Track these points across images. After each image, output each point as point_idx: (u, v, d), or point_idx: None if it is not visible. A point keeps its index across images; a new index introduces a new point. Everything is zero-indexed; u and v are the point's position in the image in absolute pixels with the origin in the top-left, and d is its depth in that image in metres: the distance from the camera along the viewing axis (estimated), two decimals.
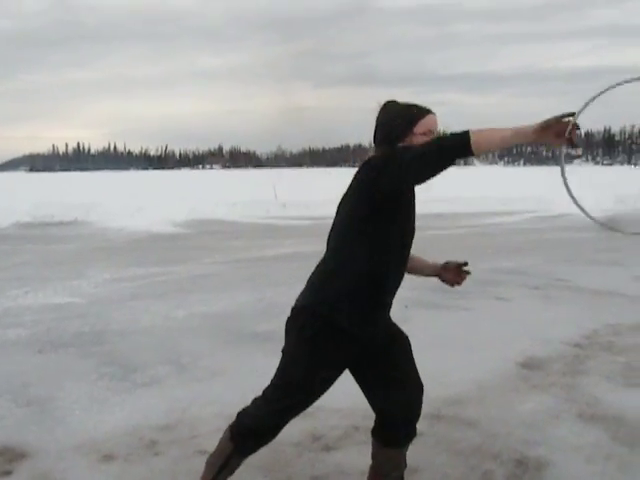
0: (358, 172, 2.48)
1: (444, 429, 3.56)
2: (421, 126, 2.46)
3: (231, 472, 2.72)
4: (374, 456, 2.81)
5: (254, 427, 2.61)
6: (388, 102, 2.57)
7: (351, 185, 2.50)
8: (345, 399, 3.82)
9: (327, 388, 2.58)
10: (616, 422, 3.70)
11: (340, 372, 2.58)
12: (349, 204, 2.50)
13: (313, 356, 2.49)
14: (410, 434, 2.73)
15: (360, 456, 3.25)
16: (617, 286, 7.66)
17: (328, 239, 2.60)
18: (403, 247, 2.53)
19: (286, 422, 2.61)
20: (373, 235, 2.42)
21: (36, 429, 3.62)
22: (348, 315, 2.44)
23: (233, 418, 3.69)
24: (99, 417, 3.79)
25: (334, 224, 2.58)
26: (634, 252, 10.66)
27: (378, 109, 2.57)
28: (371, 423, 3.47)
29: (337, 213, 2.59)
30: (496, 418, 3.76)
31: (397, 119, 2.50)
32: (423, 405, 2.73)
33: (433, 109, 2.55)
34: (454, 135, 2.21)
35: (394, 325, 2.69)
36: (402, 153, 2.30)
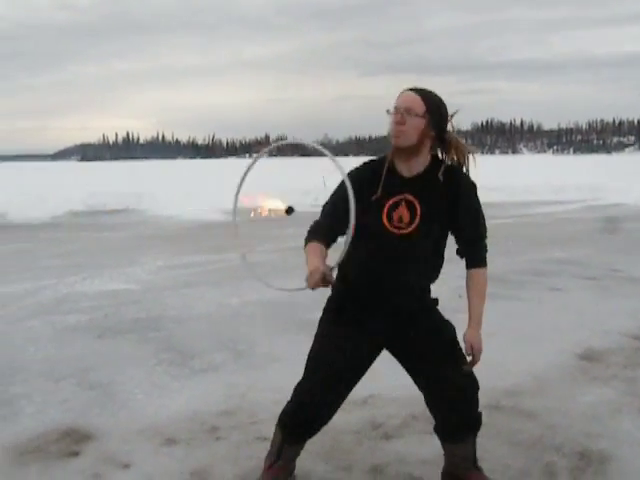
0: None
1: (503, 420, 3.53)
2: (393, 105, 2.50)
3: (289, 461, 2.77)
4: (444, 451, 2.83)
5: (291, 412, 2.67)
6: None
7: None
8: (402, 389, 3.82)
9: (348, 369, 2.60)
10: None
11: (353, 354, 2.59)
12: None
13: (322, 330, 2.69)
14: (469, 427, 2.72)
15: (420, 445, 3.26)
16: None
17: None
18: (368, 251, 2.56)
19: (324, 403, 2.61)
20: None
21: (100, 412, 3.72)
22: (337, 299, 2.67)
23: None
24: (160, 402, 3.87)
25: None
26: None
27: None
28: (429, 412, 3.47)
29: None
30: (556, 410, 3.71)
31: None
32: (481, 396, 2.71)
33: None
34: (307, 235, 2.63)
35: (434, 321, 2.66)
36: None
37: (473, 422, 2.74)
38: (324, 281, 2.33)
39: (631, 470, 3.02)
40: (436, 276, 2.66)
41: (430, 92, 2.52)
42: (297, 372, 4.26)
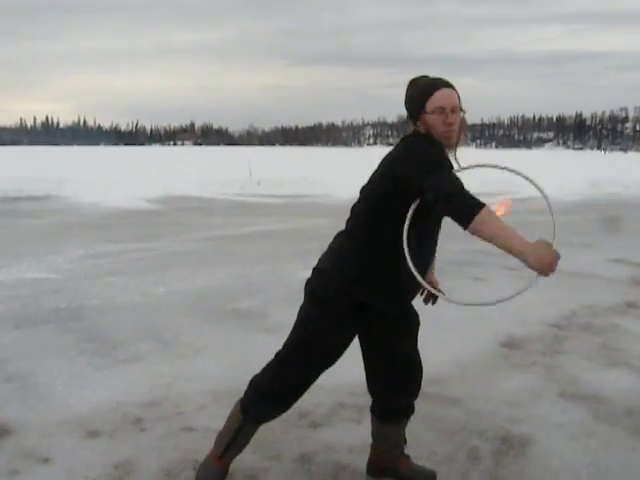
0: (390, 152, 2.50)
1: (428, 407, 3.58)
2: (431, 103, 2.40)
3: (239, 449, 2.75)
4: (374, 434, 2.86)
5: (269, 389, 2.61)
6: (413, 79, 2.52)
7: (382, 163, 2.50)
8: (328, 377, 3.83)
9: (338, 351, 2.59)
10: (596, 401, 3.76)
11: (347, 336, 2.59)
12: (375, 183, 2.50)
13: (321, 318, 2.51)
14: (407, 410, 2.78)
15: (347, 432, 3.28)
16: (592, 268, 7.78)
17: (352, 209, 2.58)
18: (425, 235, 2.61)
19: (305, 384, 2.63)
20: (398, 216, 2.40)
21: (18, 405, 3.58)
22: (369, 290, 2.46)
23: (216, 394, 3.72)
24: (82, 393, 3.76)
25: (364, 197, 2.54)
26: (605, 236, 10.82)
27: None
28: (356, 400, 3.50)
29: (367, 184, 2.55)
30: (479, 396, 3.80)
31: (413, 97, 2.47)
32: None
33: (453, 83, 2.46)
34: (468, 200, 2.22)
35: (410, 305, 2.72)
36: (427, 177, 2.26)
37: (411, 406, 2.80)
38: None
39: (549, 452, 3.12)
40: None
41: (444, 79, 2.49)
42: (223, 362, 4.26)
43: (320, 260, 2.59)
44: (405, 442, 2.86)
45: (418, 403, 3.43)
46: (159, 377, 4.00)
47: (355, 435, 3.23)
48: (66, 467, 2.91)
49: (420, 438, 3.15)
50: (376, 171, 2.51)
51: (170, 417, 3.44)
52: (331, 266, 2.51)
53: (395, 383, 2.72)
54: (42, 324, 5.12)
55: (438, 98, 2.40)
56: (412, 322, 2.74)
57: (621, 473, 2.94)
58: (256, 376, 2.67)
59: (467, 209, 2.21)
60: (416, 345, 2.77)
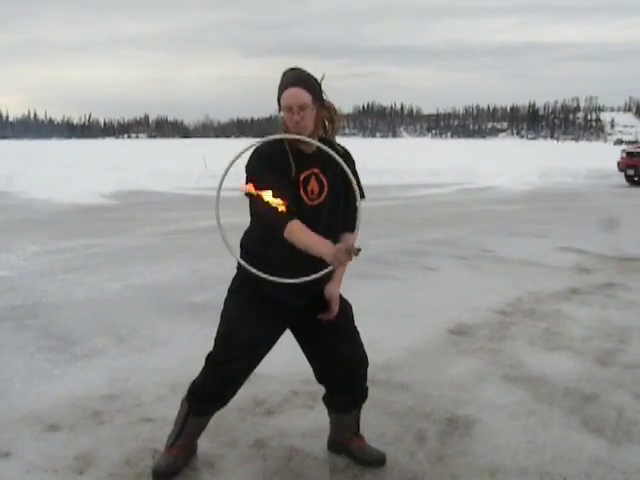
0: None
1: (378, 393, 3.74)
2: (282, 101, 2.57)
3: (190, 438, 2.89)
4: (329, 418, 3.04)
5: (202, 385, 2.79)
6: (284, 71, 2.63)
7: None
8: (283, 366, 3.98)
9: (257, 347, 2.73)
10: (537, 382, 3.97)
11: (268, 330, 2.73)
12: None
13: (233, 310, 2.74)
14: (356, 400, 2.95)
15: (300, 419, 3.42)
16: (539, 256, 8.06)
17: None
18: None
19: (238, 378, 2.77)
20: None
21: None
22: (256, 282, 2.64)
23: (175, 386, 3.82)
24: (40, 389, 3.81)
25: None
26: (554, 225, 11.17)
27: None
28: (309, 388, 3.64)
29: None
30: (427, 381, 3.98)
31: (278, 91, 2.62)
32: None
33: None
34: (276, 219, 2.45)
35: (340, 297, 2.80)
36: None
37: (360, 396, 2.96)
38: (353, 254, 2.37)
39: (492, 431, 3.31)
40: None
41: (306, 75, 2.60)
42: (180, 354, 4.36)
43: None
44: (358, 426, 3.03)
45: (370, 389, 3.60)
46: (117, 371, 4.08)
47: (308, 421, 3.37)
48: (27, 460, 2.99)
49: (370, 421, 3.30)
50: None
51: (129, 409, 3.53)
52: (238, 261, 2.71)
53: (335, 380, 2.88)
54: None
55: (285, 98, 2.56)
56: (338, 315, 2.78)
57: (557, 448, 3.14)
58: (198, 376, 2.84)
59: (276, 226, 2.50)
60: (353, 338, 2.86)
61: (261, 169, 2.54)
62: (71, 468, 2.93)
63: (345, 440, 3.02)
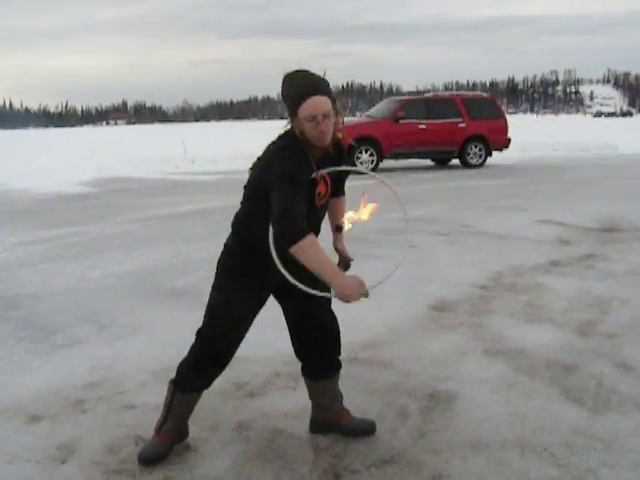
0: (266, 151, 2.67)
1: (361, 371, 3.76)
2: (302, 111, 2.49)
3: (178, 420, 2.89)
4: (311, 395, 3.06)
5: (191, 361, 2.81)
6: (289, 74, 2.55)
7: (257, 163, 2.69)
8: (263, 348, 3.99)
9: (246, 319, 2.78)
10: (518, 355, 4.00)
11: (254, 304, 2.77)
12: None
13: (227, 284, 2.75)
14: (334, 365, 2.99)
15: (283, 400, 3.43)
16: (519, 230, 8.10)
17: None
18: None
19: (224, 353, 2.79)
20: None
21: None
22: (249, 257, 2.71)
23: (156, 372, 3.81)
24: (21, 380, 3.79)
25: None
26: (534, 198, 11.22)
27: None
28: (291, 369, 3.65)
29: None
30: (409, 358, 4.00)
31: (288, 98, 2.56)
32: (341, 350, 3.00)
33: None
34: (292, 227, 2.41)
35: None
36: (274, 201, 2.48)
37: (338, 360, 3.01)
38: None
39: (473, 405, 3.34)
40: None
41: (321, 79, 2.55)
42: (162, 340, 4.35)
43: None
44: (341, 397, 3.07)
45: (351, 367, 3.62)
46: (98, 359, 4.07)
47: (290, 402, 3.38)
48: (9, 452, 2.97)
49: (352, 400, 3.31)
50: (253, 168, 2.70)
51: (111, 397, 3.52)
52: (228, 241, 2.79)
53: (316, 348, 2.93)
54: None
55: (309, 107, 2.48)
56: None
57: (538, 419, 3.17)
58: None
59: (289, 236, 2.42)
60: (331, 310, 2.97)
61: (294, 170, 2.51)
62: (54, 457, 2.92)
63: (334, 417, 3.04)
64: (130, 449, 2.96)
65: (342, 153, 2.80)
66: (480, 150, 17.52)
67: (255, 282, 2.75)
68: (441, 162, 18.55)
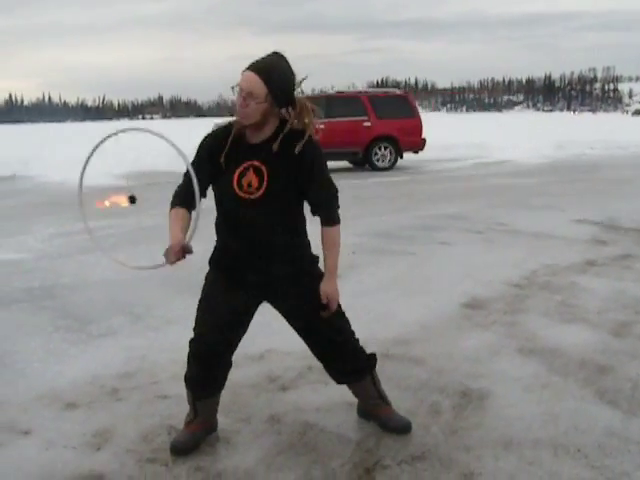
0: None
1: (393, 367, 3.76)
2: (239, 81, 2.55)
3: (207, 416, 2.95)
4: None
5: (188, 368, 2.89)
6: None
7: None
8: (297, 343, 3.99)
9: (228, 319, 2.80)
10: (552, 355, 3.96)
11: (221, 301, 2.83)
12: None
13: (205, 283, 2.96)
14: (348, 372, 2.96)
15: (314, 394, 3.44)
16: (553, 229, 8.00)
17: None
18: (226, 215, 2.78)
19: (209, 356, 2.82)
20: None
21: None
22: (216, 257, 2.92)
23: None
24: (58, 368, 3.87)
25: None
26: (570, 197, 11.06)
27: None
28: None
29: None
30: (441, 355, 3.98)
31: None
32: (372, 345, 3.01)
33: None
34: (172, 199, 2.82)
35: (308, 281, 2.78)
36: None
37: (357, 367, 2.97)
38: (184, 254, 2.54)
39: (505, 404, 3.31)
40: (300, 237, 2.78)
41: (273, 67, 2.51)
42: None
43: None
44: (379, 393, 3.07)
45: (384, 363, 3.62)
46: (133, 349, 4.13)
47: (322, 396, 3.40)
48: (46, 438, 3.04)
49: None
50: None
51: (145, 386, 3.58)
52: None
53: (325, 357, 2.94)
54: (16, 303, 5.19)
55: (241, 79, 2.55)
56: (305, 292, 2.77)
57: (571, 420, 3.14)
58: None
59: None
60: (329, 321, 2.81)
61: (195, 155, 2.72)
62: (89, 444, 2.98)
63: (371, 408, 3.08)
64: (163, 438, 3.01)
65: (303, 153, 2.58)
66: (389, 151, 16.23)
67: (217, 274, 2.87)
68: (356, 164, 17.00)
